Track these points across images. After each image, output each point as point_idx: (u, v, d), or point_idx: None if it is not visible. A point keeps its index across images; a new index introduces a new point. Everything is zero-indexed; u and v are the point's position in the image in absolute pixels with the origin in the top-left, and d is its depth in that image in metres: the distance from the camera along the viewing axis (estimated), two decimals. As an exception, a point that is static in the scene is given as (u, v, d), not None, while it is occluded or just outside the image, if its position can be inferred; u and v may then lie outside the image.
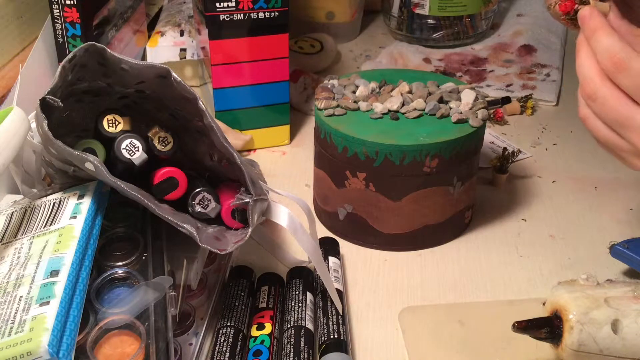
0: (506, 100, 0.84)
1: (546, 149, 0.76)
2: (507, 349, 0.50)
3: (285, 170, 0.73)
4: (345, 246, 0.61)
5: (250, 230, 0.48)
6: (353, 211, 0.60)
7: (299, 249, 0.53)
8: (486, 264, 0.60)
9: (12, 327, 0.38)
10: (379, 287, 0.57)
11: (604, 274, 0.58)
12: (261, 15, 0.68)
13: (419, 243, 0.61)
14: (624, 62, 0.44)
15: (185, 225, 0.46)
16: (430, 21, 1.00)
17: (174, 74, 0.47)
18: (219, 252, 0.46)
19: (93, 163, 0.44)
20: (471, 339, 0.51)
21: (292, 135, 0.78)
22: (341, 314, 0.51)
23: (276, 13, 0.69)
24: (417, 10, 0.99)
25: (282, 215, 0.50)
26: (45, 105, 0.45)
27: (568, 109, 0.85)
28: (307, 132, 0.80)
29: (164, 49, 0.86)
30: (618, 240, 0.57)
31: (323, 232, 0.63)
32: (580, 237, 0.63)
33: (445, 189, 0.58)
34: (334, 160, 0.59)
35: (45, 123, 0.44)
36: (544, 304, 0.49)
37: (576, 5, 0.48)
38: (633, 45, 0.45)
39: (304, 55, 0.92)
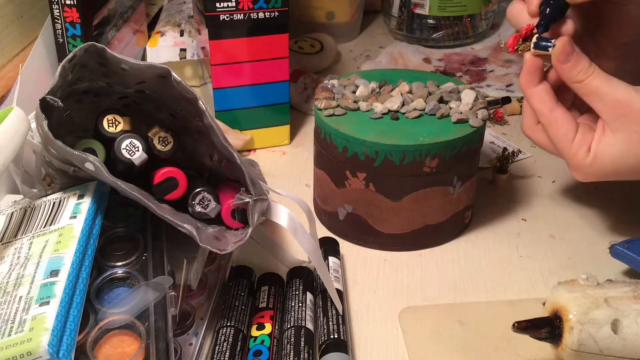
0: (506, 100, 0.84)
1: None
2: (507, 349, 0.50)
3: (285, 170, 0.73)
4: (345, 246, 0.61)
5: (250, 230, 0.48)
6: (353, 211, 0.60)
7: (299, 249, 0.53)
8: (486, 264, 0.60)
9: (12, 327, 0.38)
10: (379, 287, 0.57)
11: (604, 274, 0.58)
12: (261, 15, 0.68)
13: (419, 243, 0.61)
14: (545, 125, 0.54)
15: (185, 225, 0.46)
16: (430, 21, 1.00)
17: (174, 74, 0.47)
18: (219, 252, 0.46)
19: (93, 163, 0.44)
20: (471, 339, 0.51)
21: (292, 135, 0.78)
22: (341, 314, 0.51)
23: (276, 13, 0.69)
24: (417, 10, 0.99)
25: (282, 215, 0.50)
26: (45, 105, 0.45)
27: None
28: (307, 132, 0.80)
29: (164, 49, 0.86)
30: (618, 240, 0.57)
31: (323, 232, 0.63)
32: (580, 237, 0.63)
33: (445, 189, 0.58)
34: (334, 160, 0.59)
35: (45, 123, 0.44)
36: (544, 304, 0.49)
37: (519, 46, 0.54)
38: (575, 89, 0.53)
39: (304, 55, 0.92)
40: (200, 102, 0.47)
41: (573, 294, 0.46)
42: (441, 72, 0.93)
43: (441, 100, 0.60)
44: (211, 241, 0.47)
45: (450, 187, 0.58)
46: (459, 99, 0.61)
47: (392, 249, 0.61)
